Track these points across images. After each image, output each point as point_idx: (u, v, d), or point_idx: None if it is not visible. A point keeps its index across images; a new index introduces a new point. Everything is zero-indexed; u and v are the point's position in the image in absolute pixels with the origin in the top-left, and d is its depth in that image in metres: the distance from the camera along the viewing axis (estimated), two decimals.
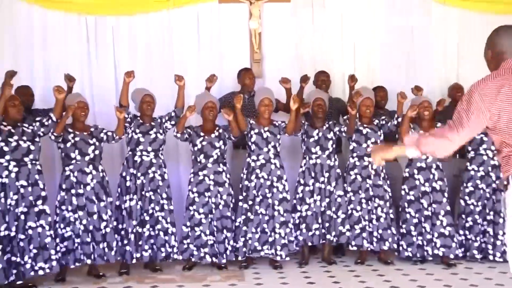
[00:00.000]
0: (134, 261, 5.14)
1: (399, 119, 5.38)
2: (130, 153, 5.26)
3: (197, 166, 5.33)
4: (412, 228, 5.40)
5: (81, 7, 6.06)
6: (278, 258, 5.27)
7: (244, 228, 5.29)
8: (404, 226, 5.44)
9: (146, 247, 5.15)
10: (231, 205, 5.35)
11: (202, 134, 5.33)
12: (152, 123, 5.30)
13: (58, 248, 4.88)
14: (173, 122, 5.34)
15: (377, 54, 6.38)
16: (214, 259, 5.23)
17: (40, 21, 6.03)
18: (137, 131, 5.23)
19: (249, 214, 5.30)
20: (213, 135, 5.33)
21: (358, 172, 5.45)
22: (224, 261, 5.26)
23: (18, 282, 4.69)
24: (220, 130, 5.38)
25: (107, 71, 6.07)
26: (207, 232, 5.24)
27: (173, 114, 5.33)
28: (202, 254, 5.22)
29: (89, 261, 4.96)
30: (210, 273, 5.19)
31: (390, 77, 6.21)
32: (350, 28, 6.39)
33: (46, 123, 4.82)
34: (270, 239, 5.27)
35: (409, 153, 2.58)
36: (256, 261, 5.44)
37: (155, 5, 6.17)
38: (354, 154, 5.48)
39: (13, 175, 4.66)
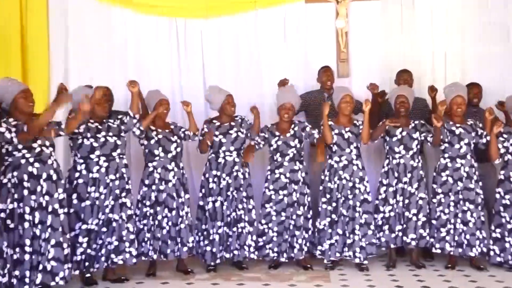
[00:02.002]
0: (218, 261, 5.20)
1: (488, 138, 5.19)
2: (213, 155, 5.32)
3: (274, 164, 5.35)
4: (507, 233, 5.16)
5: (172, 10, 6.25)
6: (357, 260, 5.20)
7: (330, 230, 5.26)
8: (498, 230, 5.21)
9: (232, 247, 5.22)
10: (307, 204, 5.33)
11: (277, 133, 5.34)
12: (232, 123, 5.34)
13: (137, 241, 4.98)
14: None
15: (470, 52, 6.11)
16: (282, 257, 5.24)
17: (133, 25, 6.27)
18: (217, 133, 5.28)
19: (333, 216, 5.26)
20: (288, 134, 5.33)
21: (449, 174, 5.25)
22: (282, 259, 5.25)
23: (113, 277, 4.92)
24: (296, 128, 5.36)
25: (196, 72, 6.22)
26: (278, 229, 5.27)
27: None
28: (276, 252, 5.26)
29: (155, 256, 5.07)
30: (295, 273, 5.20)
31: (484, 76, 5.90)
32: (441, 26, 6.18)
33: (125, 121, 4.94)
34: (349, 241, 5.22)
35: None
36: (343, 263, 5.40)
37: (243, 6, 6.26)
38: (446, 155, 5.29)
39: (103, 170, 4.78)
